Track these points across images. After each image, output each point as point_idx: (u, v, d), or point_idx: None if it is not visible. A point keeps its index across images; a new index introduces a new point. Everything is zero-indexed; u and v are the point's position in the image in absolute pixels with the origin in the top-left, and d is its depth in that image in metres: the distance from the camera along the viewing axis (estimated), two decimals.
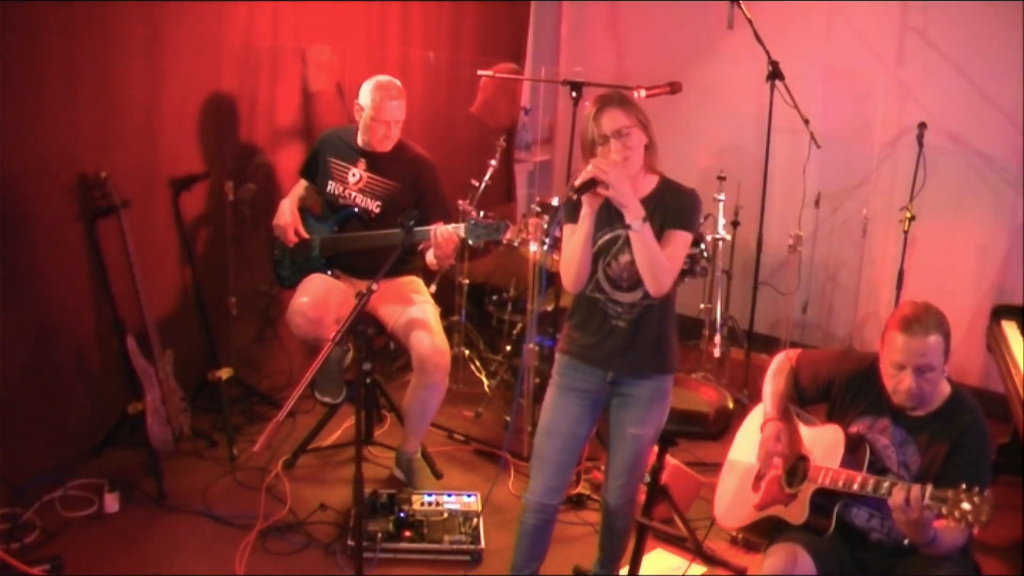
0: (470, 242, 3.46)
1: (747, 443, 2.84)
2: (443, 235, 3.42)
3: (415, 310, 3.67)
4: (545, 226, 3.90)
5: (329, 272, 3.79)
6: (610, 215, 2.59)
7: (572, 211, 2.63)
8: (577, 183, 2.48)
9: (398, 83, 3.69)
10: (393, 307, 3.70)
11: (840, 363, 2.66)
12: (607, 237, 2.62)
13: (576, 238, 2.58)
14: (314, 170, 3.84)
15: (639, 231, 2.51)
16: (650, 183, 2.66)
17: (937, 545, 2.36)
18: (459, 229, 3.43)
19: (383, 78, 3.69)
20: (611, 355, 2.69)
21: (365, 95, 3.65)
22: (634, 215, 2.50)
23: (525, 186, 5.97)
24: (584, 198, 2.53)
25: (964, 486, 2.18)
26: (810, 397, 2.73)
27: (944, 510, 2.19)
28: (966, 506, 2.16)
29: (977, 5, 4.48)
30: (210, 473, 3.77)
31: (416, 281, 3.86)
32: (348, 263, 3.79)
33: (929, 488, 2.24)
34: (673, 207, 2.61)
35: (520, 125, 5.69)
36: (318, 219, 3.82)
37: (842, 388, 2.63)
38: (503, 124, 5.33)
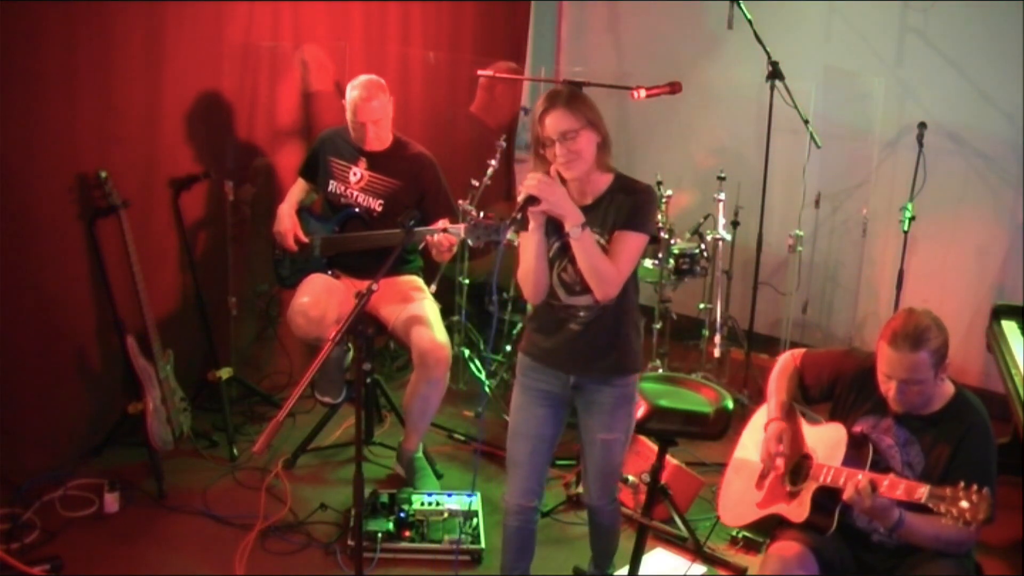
0: (470, 242, 3.46)
1: (752, 442, 2.84)
2: (441, 236, 3.43)
3: (415, 307, 3.67)
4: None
5: (329, 272, 3.79)
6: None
7: (523, 221, 2.56)
8: (519, 200, 2.45)
9: (381, 81, 3.68)
10: (393, 306, 3.70)
11: (844, 362, 2.66)
12: (561, 242, 2.57)
13: (528, 252, 2.55)
14: (314, 170, 3.85)
15: (578, 238, 2.46)
16: (604, 182, 2.60)
17: (909, 529, 2.36)
18: (458, 230, 3.44)
19: (364, 77, 3.68)
20: (569, 358, 2.67)
21: (347, 95, 3.66)
22: (572, 222, 2.46)
23: None
24: (529, 213, 2.49)
25: (963, 484, 2.19)
26: (814, 396, 2.73)
27: (942, 508, 2.19)
28: (964, 504, 2.16)
29: (977, 5, 4.48)
30: (210, 473, 3.77)
31: (416, 280, 3.86)
32: (348, 263, 3.79)
33: (928, 487, 2.24)
34: (625, 207, 2.55)
35: (520, 125, 5.69)
36: (318, 219, 3.82)
37: (846, 387, 2.63)
38: (503, 123, 5.33)
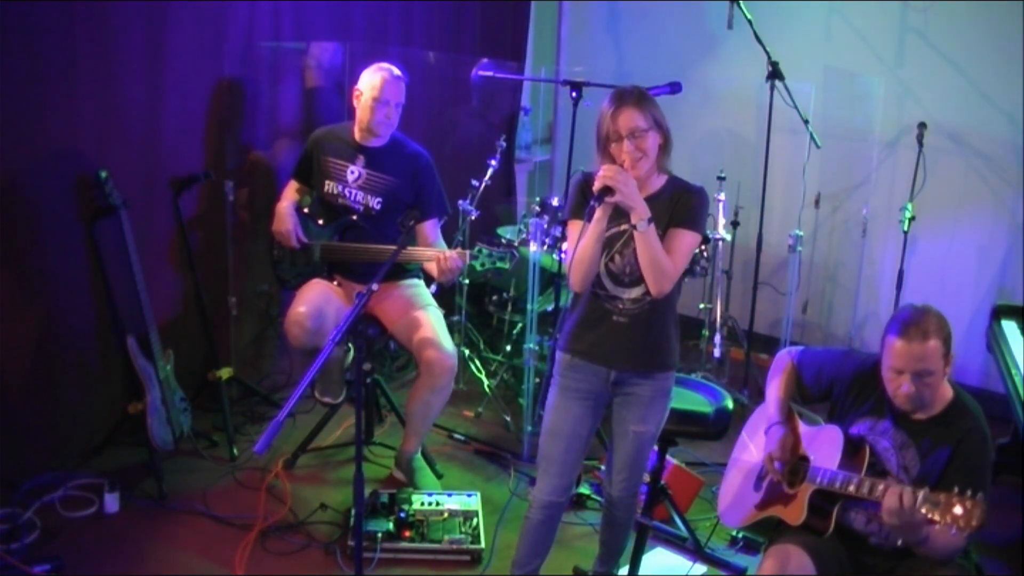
0: (477, 268, 3.45)
1: (751, 443, 2.84)
2: (450, 260, 3.43)
3: (419, 315, 3.66)
4: (545, 225, 3.90)
5: (327, 272, 3.77)
6: (615, 211, 2.59)
7: (577, 208, 2.65)
8: (595, 190, 2.49)
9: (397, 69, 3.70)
10: (397, 312, 3.69)
11: (843, 364, 2.66)
12: (611, 232, 2.62)
13: (590, 238, 2.58)
14: (308, 171, 3.81)
15: (644, 232, 2.52)
16: (659, 181, 2.66)
17: (930, 545, 2.36)
18: (464, 255, 3.44)
19: (383, 63, 3.69)
20: (613, 353, 2.69)
21: (365, 79, 3.64)
22: (639, 216, 2.51)
23: (525, 186, 5.97)
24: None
25: (958, 490, 2.18)
26: (812, 396, 2.73)
27: (937, 514, 2.19)
28: (958, 510, 2.16)
29: (977, 5, 4.48)
30: (210, 473, 3.77)
31: (419, 284, 3.85)
32: (349, 267, 3.77)
33: (924, 491, 2.24)
34: (681, 206, 2.62)
35: (520, 125, 5.69)
36: (317, 223, 3.78)
37: (844, 389, 2.62)
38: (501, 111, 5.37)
